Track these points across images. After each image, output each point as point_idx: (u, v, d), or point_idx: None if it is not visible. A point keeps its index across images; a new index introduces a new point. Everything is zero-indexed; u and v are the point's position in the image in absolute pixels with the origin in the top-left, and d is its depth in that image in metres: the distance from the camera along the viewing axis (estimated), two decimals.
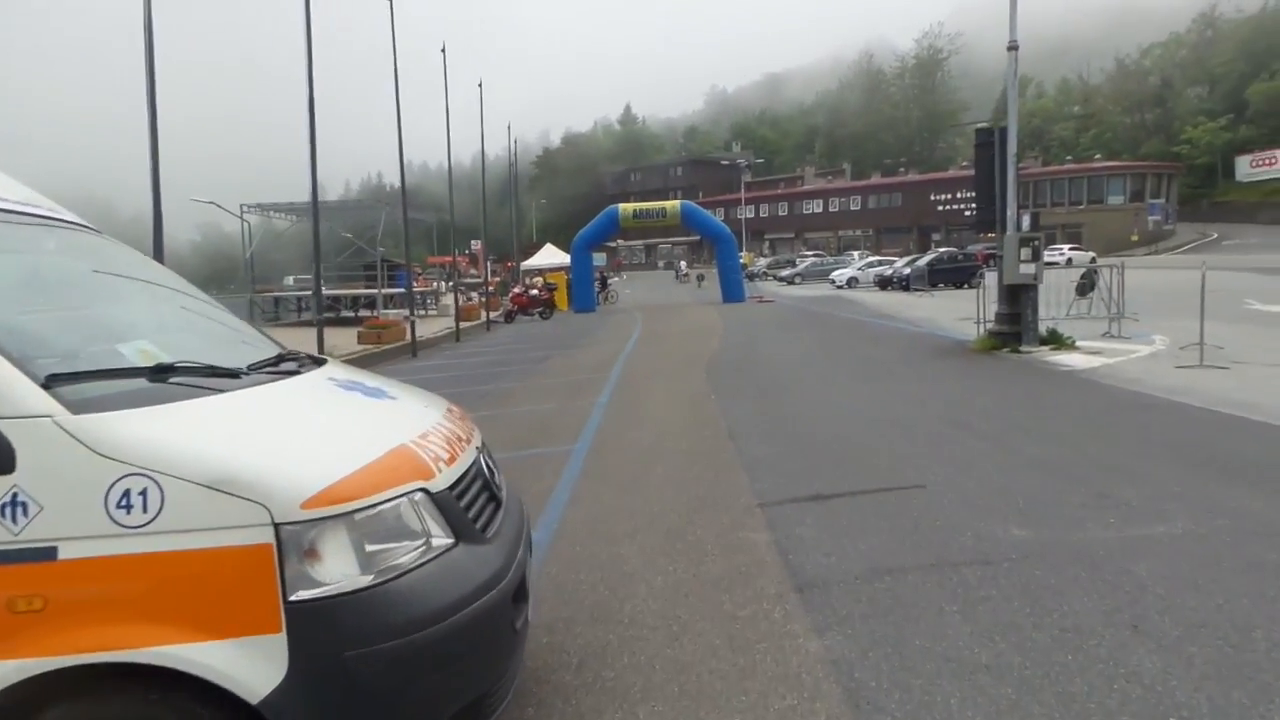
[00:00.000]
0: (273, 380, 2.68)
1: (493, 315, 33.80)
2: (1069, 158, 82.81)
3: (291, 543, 2.01)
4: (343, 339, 22.50)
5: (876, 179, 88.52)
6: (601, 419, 9.18)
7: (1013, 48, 13.07)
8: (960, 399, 9.38)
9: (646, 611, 3.93)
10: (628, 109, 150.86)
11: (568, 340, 20.91)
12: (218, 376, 2.49)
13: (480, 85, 27.05)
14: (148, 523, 1.94)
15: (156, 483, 1.96)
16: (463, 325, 29.15)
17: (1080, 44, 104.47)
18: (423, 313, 35.09)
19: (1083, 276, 17.26)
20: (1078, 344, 12.88)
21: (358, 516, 2.13)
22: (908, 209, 79.64)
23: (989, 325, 13.91)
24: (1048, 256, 13.92)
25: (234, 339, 3.24)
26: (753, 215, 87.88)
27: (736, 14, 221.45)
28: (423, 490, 2.35)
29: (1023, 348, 12.77)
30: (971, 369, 11.95)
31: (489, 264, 68.96)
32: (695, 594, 4.11)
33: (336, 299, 31.62)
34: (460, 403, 10.35)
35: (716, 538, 4.94)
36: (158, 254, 9.57)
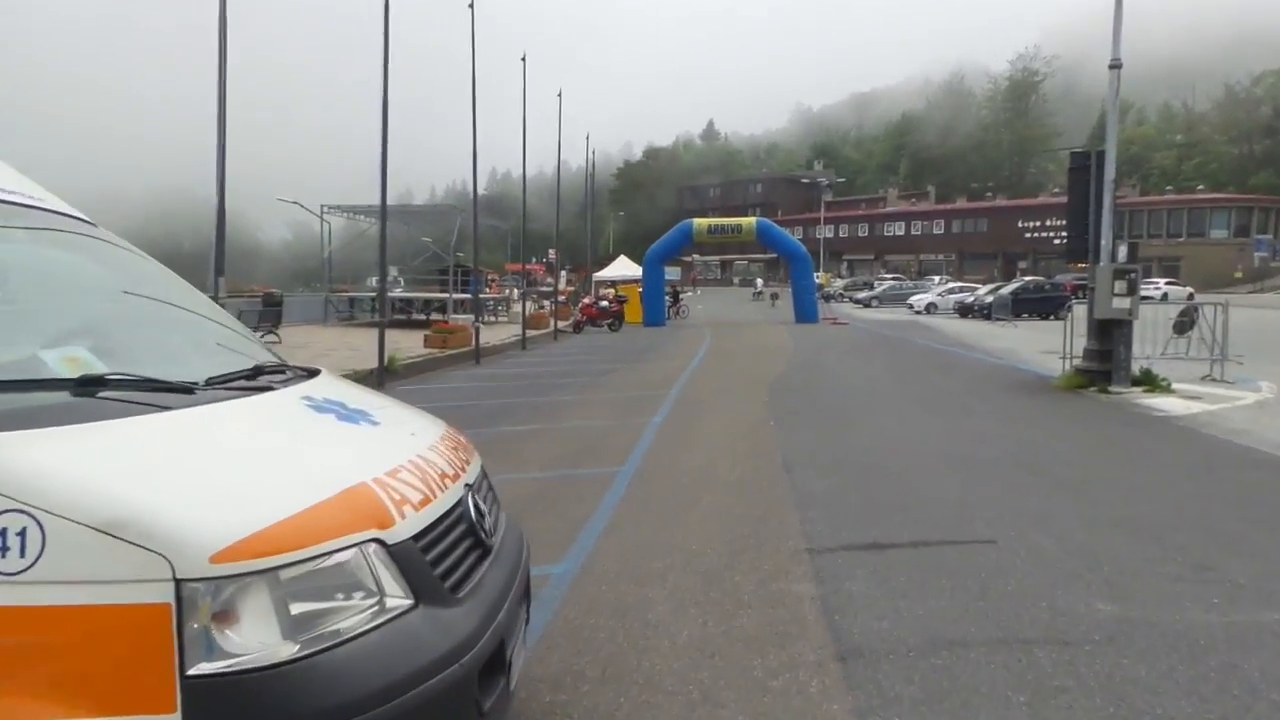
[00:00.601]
0: (232, 398, 2.35)
1: (562, 325, 33.77)
2: (1169, 188, 79.17)
3: (195, 603, 1.65)
4: (410, 341, 22.63)
5: (962, 203, 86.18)
6: (653, 440, 8.77)
7: (1115, 65, 12.23)
8: (1040, 441, 8.66)
9: (666, 672, 3.49)
10: (710, 124, 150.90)
11: (632, 354, 20.57)
12: (163, 391, 2.16)
13: (560, 94, 27.01)
14: (22, 570, 1.61)
15: (38, 521, 1.62)
16: (531, 334, 29.15)
17: (1185, 70, 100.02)
18: (493, 319, 35.35)
19: (1181, 314, 16.09)
20: (1174, 387, 11.92)
21: (285, 573, 1.76)
22: (993, 235, 77.20)
23: (1076, 361, 13.02)
24: (1143, 290, 12.97)
25: (215, 348, 2.93)
26: (831, 235, 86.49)
27: (825, 32, 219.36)
28: (377, 541, 1.97)
29: (1112, 388, 11.87)
30: (1054, 408, 11.15)
31: (564, 273, 69.57)
32: (723, 654, 3.65)
33: (409, 301, 31.97)
34: (513, 414, 10.03)
35: (757, 586, 4.47)
36: (219, 247, 9.56)
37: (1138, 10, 13.43)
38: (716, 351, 20.84)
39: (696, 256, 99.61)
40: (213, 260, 9.60)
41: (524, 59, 23.01)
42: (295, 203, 31.03)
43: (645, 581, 4.57)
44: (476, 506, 2.56)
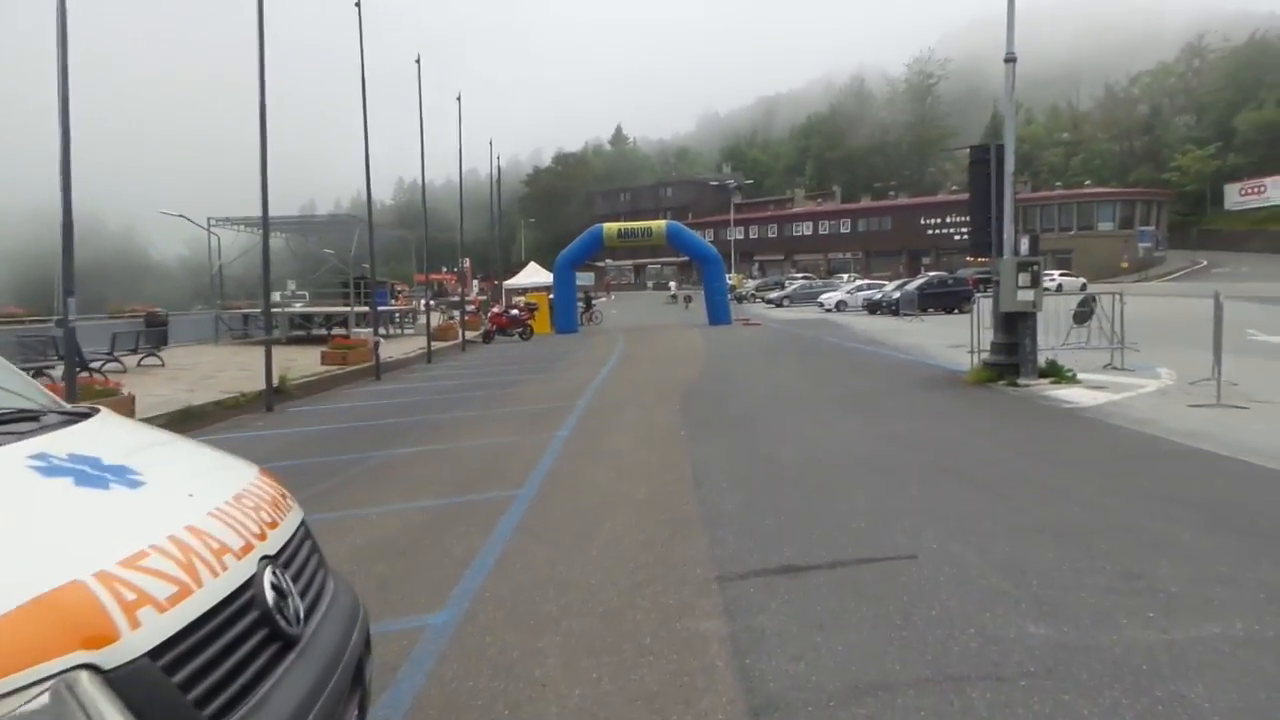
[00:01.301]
0: None
1: (472, 335, 32.83)
2: (1058, 183, 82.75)
3: None
4: (308, 358, 21.49)
5: (866, 202, 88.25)
6: (557, 457, 8.21)
7: (1010, 59, 12.29)
8: (955, 440, 8.46)
9: None
10: (619, 130, 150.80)
11: (541, 364, 19.95)
12: None
13: (459, 98, 26.21)
14: None
15: None
16: (439, 345, 28.17)
17: (1069, 71, 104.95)
18: (399, 332, 34.15)
19: (1080, 304, 16.42)
20: (1079, 377, 12.01)
21: None
22: (897, 233, 79.25)
23: (984, 355, 13.03)
24: None
25: None
26: (742, 237, 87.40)
27: (730, 37, 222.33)
28: (88, 667, 1.39)
29: (1020, 380, 11.89)
30: (966, 404, 11.06)
31: (476, 282, 68.17)
32: (619, 718, 3.14)
33: (309, 317, 30.57)
34: (408, 435, 9.20)
35: (660, 626, 3.98)
36: (67, 265, 8.61)
37: (1026, 15, 13.57)
38: (628, 358, 20.40)
39: (610, 261, 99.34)
40: (58, 279, 8.61)
41: (418, 61, 22.18)
42: (181, 216, 29.32)
43: (536, 628, 4.03)
44: (275, 586, 1.98)
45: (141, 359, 19.52)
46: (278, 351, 24.18)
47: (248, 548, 1.96)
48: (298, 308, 32.01)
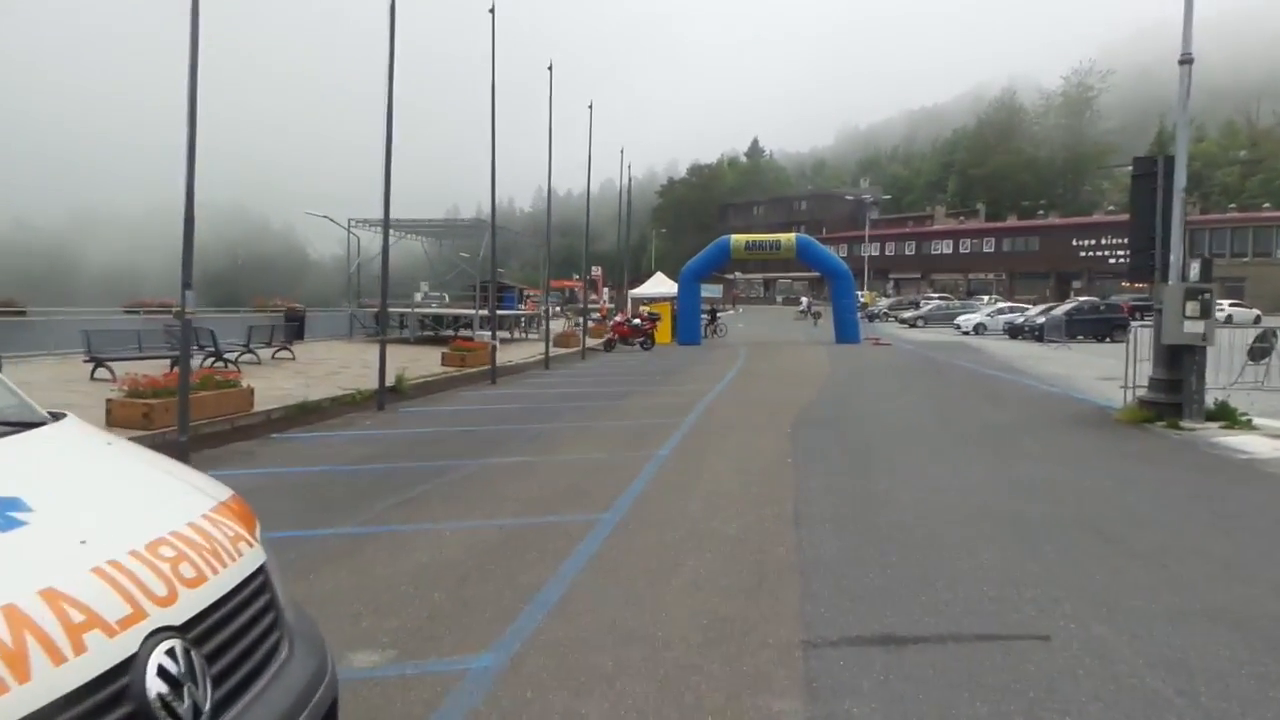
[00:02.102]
0: None
1: (595, 343, 32.86)
2: (1231, 205, 75.92)
3: None
4: (430, 359, 21.89)
5: (1012, 221, 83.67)
6: (650, 480, 7.69)
7: (1185, 60, 10.93)
8: (1104, 492, 7.40)
9: None
10: (755, 142, 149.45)
11: (657, 375, 19.52)
12: None
13: (590, 106, 26.23)
14: None
15: None
16: (560, 351, 28.27)
17: (1247, 85, 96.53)
18: (523, 336, 34.57)
19: (1258, 339, 14.56)
20: (1255, 422, 10.51)
21: None
22: (1046, 254, 74.59)
23: (1139, 391, 11.65)
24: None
25: None
26: (877, 253, 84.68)
27: (875, 50, 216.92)
28: None
29: (1184, 423, 10.50)
30: (1119, 448, 9.81)
31: (607, 290, 68.74)
32: None
33: (438, 318, 31.33)
34: (507, 444, 8.87)
35: (727, 701, 3.37)
36: (187, 259, 8.77)
37: (1202, 24, 12.10)
38: (747, 374, 19.68)
39: (739, 274, 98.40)
40: (180, 273, 8.77)
41: (550, 68, 22.24)
42: (325, 217, 30.64)
43: (586, 686, 3.51)
44: (167, 672, 1.52)
45: (275, 352, 20.32)
46: (406, 351, 24.84)
47: (133, 618, 1.52)
48: (433, 308, 32.92)
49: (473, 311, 29.30)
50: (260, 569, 2.00)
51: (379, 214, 29.35)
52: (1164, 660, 3.72)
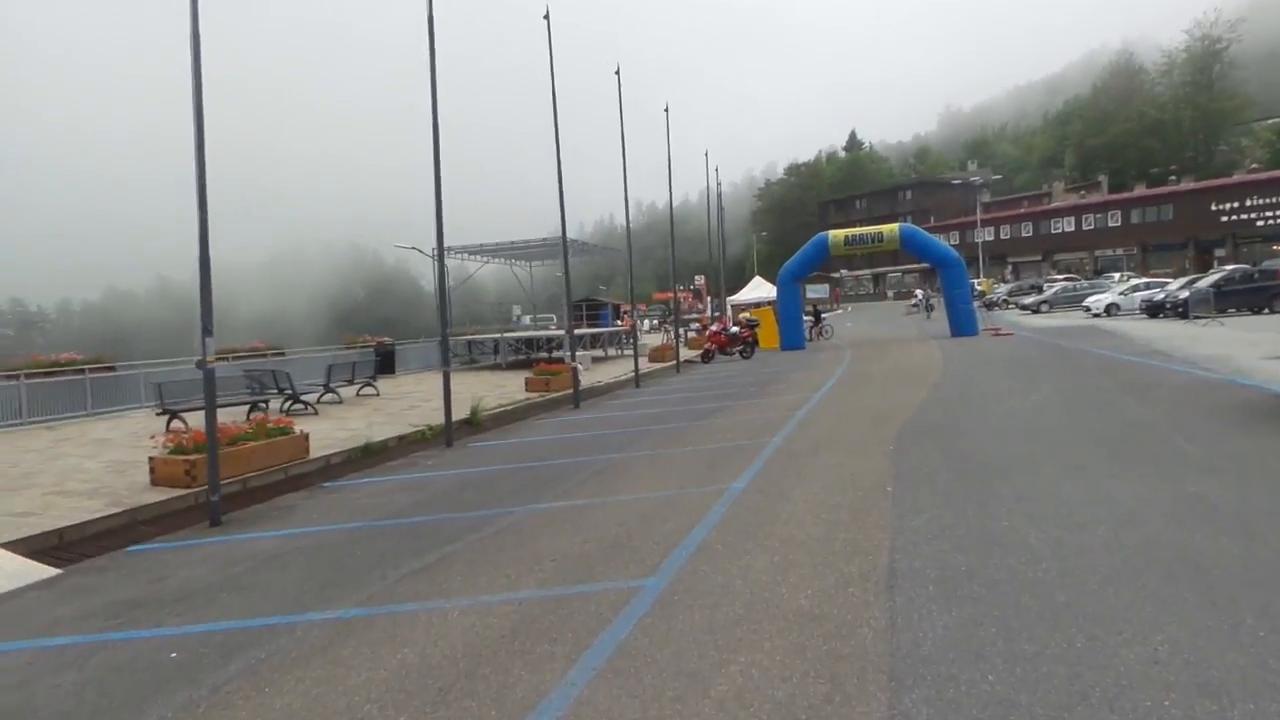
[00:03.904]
0: None
1: (693, 355, 31.64)
2: None
3: None
4: (514, 384, 21.20)
5: (1141, 190, 77.54)
6: (714, 526, 6.40)
7: None
8: None
9: None
10: (853, 135, 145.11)
11: (752, 387, 18.10)
12: None
13: (666, 110, 25.15)
14: None
15: None
16: (655, 366, 27.22)
17: None
18: (619, 353, 33.69)
19: None
20: None
21: None
22: (1180, 222, 68.57)
23: None
24: None
25: None
26: (991, 238, 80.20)
27: (971, 27, 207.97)
28: None
29: None
30: None
31: (711, 299, 67.38)
32: None
33: (529, 341, 30.82)
34: (566, 482, 7.61)
35: None
36: (205, 305, 8.08)
37: None
38: (850, 378, 18.02)
39: (844, 271, 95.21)
40: (198, 320, 8.08)
41: (618, 73, 21.26)
42: (413, 248, 30.64)
43: None
44: None
45: (360, 389, 19.99)
46: (493, 377, 24.26)
47: None
48: (521, 331, 32.49)
49: (561, 332, 28.62)
50: None
51: (476, 240, 29.28)
52: None
